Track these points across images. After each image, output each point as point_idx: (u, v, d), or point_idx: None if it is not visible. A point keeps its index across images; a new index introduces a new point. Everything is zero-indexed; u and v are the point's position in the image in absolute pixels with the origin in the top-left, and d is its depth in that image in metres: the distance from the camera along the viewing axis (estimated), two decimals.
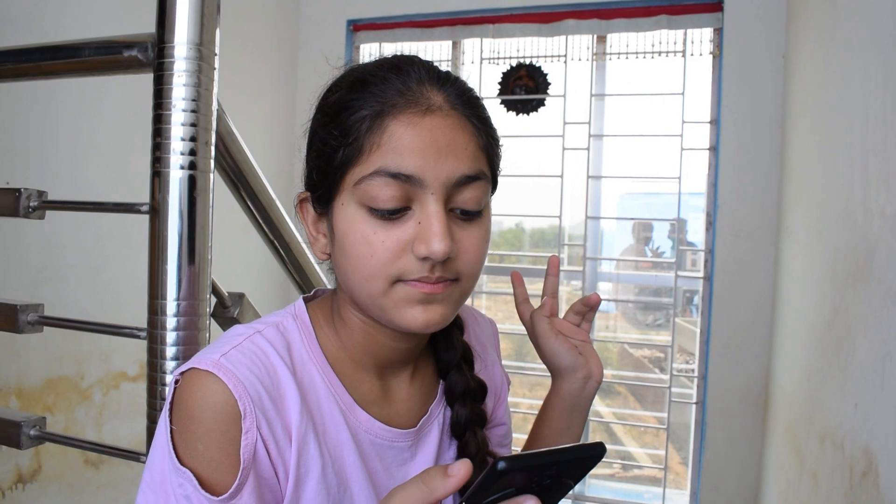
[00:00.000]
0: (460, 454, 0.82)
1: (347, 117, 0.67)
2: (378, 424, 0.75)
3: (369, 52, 3.60)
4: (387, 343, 0.76)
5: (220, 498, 0.63)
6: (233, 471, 0.64)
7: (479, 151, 0.70)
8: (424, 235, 0.66)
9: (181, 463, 0.64)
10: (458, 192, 0.68)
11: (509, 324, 4.34)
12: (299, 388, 0.69)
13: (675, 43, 3.18)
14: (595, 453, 0.57)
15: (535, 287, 4.20)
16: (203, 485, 0.63)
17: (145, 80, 1.01)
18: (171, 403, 0.66)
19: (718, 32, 3.11)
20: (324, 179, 0.69)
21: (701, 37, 3.16)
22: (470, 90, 0.72)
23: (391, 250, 0.66)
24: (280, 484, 0.68)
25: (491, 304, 4.16)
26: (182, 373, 0.66)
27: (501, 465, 0.51)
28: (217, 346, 0.68)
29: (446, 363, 0.83)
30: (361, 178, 0.66)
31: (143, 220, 0.99)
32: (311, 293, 0.83)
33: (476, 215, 0.70)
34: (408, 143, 0.65)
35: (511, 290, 0.95)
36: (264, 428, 0.66)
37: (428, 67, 0.70)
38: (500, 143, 0.75)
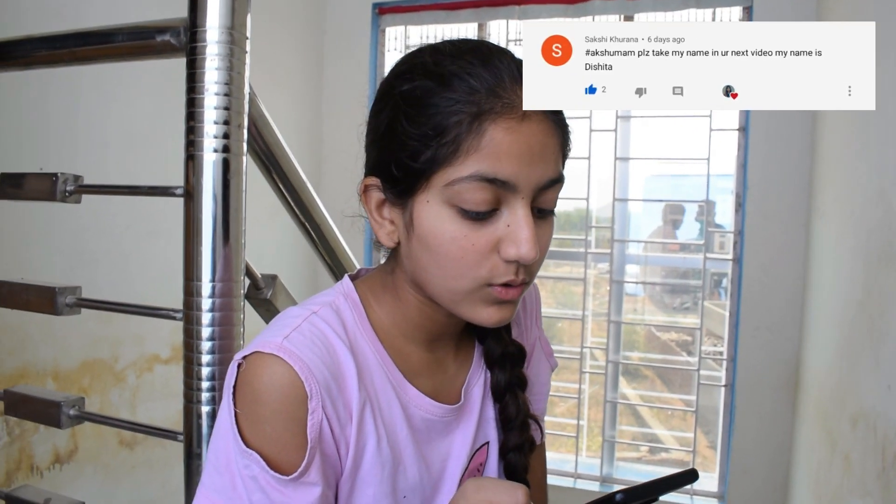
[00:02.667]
0: (501, 416, 0.84)
1: (441, 117, 0.66)
2: (427, 400, 0.77)
3: (395, 35, 3.59)
4: (441, 319, 0.78)
5: (290, 477, 0.65)
6: (299, 450, 0.66)
7: (560, 154, 0.71)
8: (515, 239, 0.67)
9: (247, 445, 0.65)
10: (542, 194, 0.69)
11: None
12: (356, 364, 0.71)
13: (704, 21, 3.13)
14: (689, 480, 0.71)
15: (562, 270, 4.19)
16: (270, 465, 0.65)
17: (177, 64, 1.02)
18: (235, 387, 0.67)
19: (748, 11, 3.06)
20: (406, 174, 0.69)
21: (730, 15, 3.11)
22: None
23: (481, 252, 0.68)
24: (341, 460, 0.71)
25: None
26: (245, 356, 0.68)
27: (620, 496, 0.62)
28: (276, 329, 0.70)
29: (483, 328, 0.84)
30: (454, 179, 0.66)
31: (175, 204, 1.01)
32: (355, 272, 0.84)
33: (550, 213, 0.72)
34: (506, 149, 0.65)
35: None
36: (328, 407, 0.68)
37: (517, 63, 0.69)
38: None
